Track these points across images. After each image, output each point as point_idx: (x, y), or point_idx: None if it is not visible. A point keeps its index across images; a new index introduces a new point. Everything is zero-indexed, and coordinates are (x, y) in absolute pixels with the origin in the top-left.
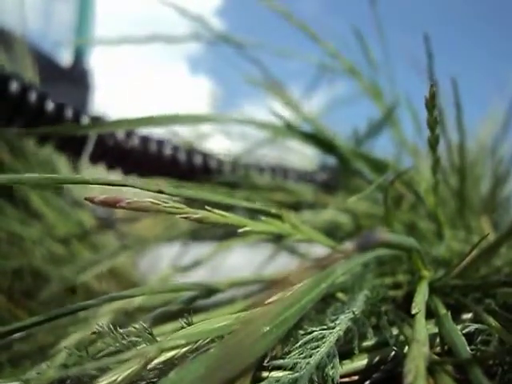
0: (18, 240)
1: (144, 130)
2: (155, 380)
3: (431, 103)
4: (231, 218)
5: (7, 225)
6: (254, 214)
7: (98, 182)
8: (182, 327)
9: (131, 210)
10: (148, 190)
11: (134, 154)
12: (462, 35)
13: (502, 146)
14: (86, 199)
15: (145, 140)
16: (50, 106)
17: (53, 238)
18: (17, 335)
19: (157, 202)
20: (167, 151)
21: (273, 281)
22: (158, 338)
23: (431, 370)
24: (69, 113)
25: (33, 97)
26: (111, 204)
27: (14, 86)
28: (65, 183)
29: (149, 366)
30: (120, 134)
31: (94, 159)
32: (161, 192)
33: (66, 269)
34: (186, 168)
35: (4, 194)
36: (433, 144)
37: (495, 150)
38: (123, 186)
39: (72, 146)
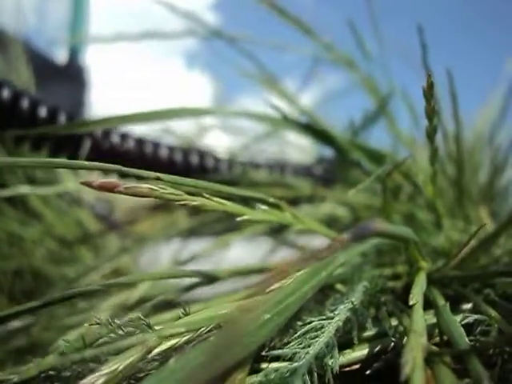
0: (18, 240)
1: (139, 131)
2: (155, 369)
3: (429, 93)
4: (229, 205)
5: (7, 225)
6: (253, 205)
7: (96, 167)
8: (181, 316)
9: (128, 196)
10: (146, 178)
11: (130, 157)
12: (457, 26)
13: (499, 135)
14: (82, 183)
15: (140, 142)
16: (42, 111)
17: (52, 238)
18: (16, 328)
19: (155, 187)
20: (163, 152)
21: (270, 270)
22: (157, 327)
23: (429, 360)
24: (62, 117)
25: (25, 103)
26: (109, 189)
27: (5, 93)
28: (61, 167)
29: (149, 355)
30: (115, 136)
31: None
32: (158, 179)
33: (67, 269)
34: (182, 168)
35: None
36: (431, 134)
37: (492, 138)
38: (122, 175)
39: (67, 150)
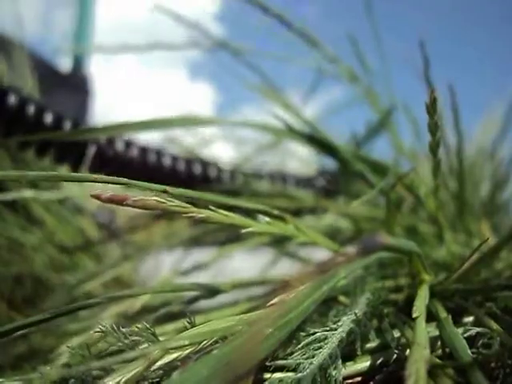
0: (19, 247)
1: (143, 141)
2: (158, 381)
3: (432, 108)
4: (235, 218)
5: (8, 231)
6: (256, 217)
7: (103, 180)
8: (185, 328)
9: (137, 209)
10: (153, 190)
11: (134, 165)
12: (459, 40)
13: (500, 149)
14: (92, 196)
15: (144, 150)
16: (48, 118)
17: (53, 245)
18: (18, 336)
19: (162, 200)
20: (166, 161)
21: (276, 284)
22: (161, 338)
23: (432, 373)
24: (67, 124)
25: (31, 109)
26: (117, 201)
27: (11, 99)
28: (67, 180)
29: (152, 367)
30: (119, 144)
31: (93, 170)
32: (165, 192)
33: (68, 276)
34: (185, 178)
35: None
36: (434, 148)
37: (494, 153)
38: (128, 187)
39: (71, 158)
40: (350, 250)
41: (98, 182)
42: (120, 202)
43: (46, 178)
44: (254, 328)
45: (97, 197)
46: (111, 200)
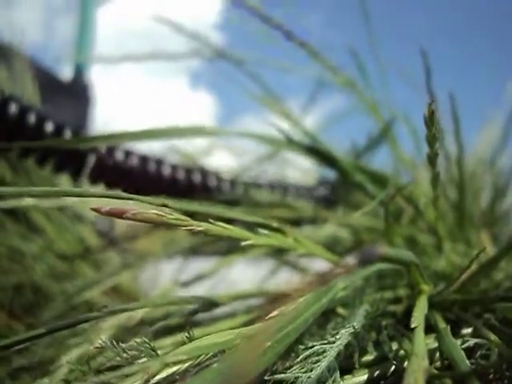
0: (19, 255)
1: (143, 149)
2: None
3: (430, 120)
4: (234, 230)
5: (8, 240)
6: (255, 229)
7: (103, 195)
8: (184, 341)
9: (136, 222)
10: (152, 204)
11: (133, 174)
12: (457, 49)
13: (500, 159)
14: (92, 209)
15: (144, 159)
16: (49, 127)
17: (53, 253)
18: (17, 349)
19: (161, 213)
20: (166, 170)
21: (274, 295)
22: (159, 352)
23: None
24: (68, 133)
25: (32, 118)
26: (117, 215)
27: (12, 108)
28: (69, 196)
29: (151, 382)
30: (119, 153)
31: (93, 179)
32: (164, 206)
33: (67, 284)
34: (185, 187)
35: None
36: (432, 159)
37: (494, 162)
38: (128, 200)
39: (71, 167)
40: (349, 261)
41: (97, 196)
42: (119, 215)
43: (52, 194)
44: (252, 341)
45: (96, 210)
46: (110, 213)
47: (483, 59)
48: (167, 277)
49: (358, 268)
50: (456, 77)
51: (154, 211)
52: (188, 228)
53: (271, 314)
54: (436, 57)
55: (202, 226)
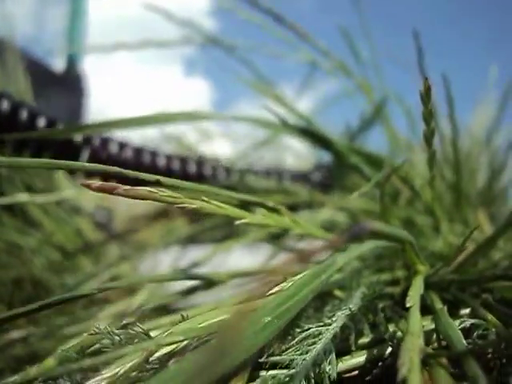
0: (17, 249)
1: (139, 138)
2: (154, 373)
3: (426, 96)
4: (228, 209)
5: (6, 234)
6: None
7: (96, 168)
8: (180, 320)
9: (128, 198)
10: (146, 180)
11: (128, 166)
12: (451, 29)
13: (496, 138)
14: (82, 185)
15: (138, 151)
16: (41, 122)
17: (52, 247)
18: (16, 337)
19: (154, 190)
20: (161, 161)
21: (260, 273)
22: (156, 332)
23: (426, 363)
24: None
25: (24, 114)
26: (108, 190)
27: (4, 104)
28: (62, 168)
29: (149, 360)
30: (113, 146)
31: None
32: (158, 183)
33: (67, 277)
34: (180, 177)
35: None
36: (428, 137)
37: (489, 141)
38: (121, 181)
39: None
40: (337, 236)
41: (91, 170)
42: (110, 190)
43: (40, 165)
44: (250, 317)
45: (87, 186)
46: (101, 189)
47: (476, 39)
48: (166, 265)
49: (348, 242)
50: (449, 57)
51: (146, 188)
52: (181, 205)
53: (270, 291)
54: (429, 37)
55: (194, 203)
